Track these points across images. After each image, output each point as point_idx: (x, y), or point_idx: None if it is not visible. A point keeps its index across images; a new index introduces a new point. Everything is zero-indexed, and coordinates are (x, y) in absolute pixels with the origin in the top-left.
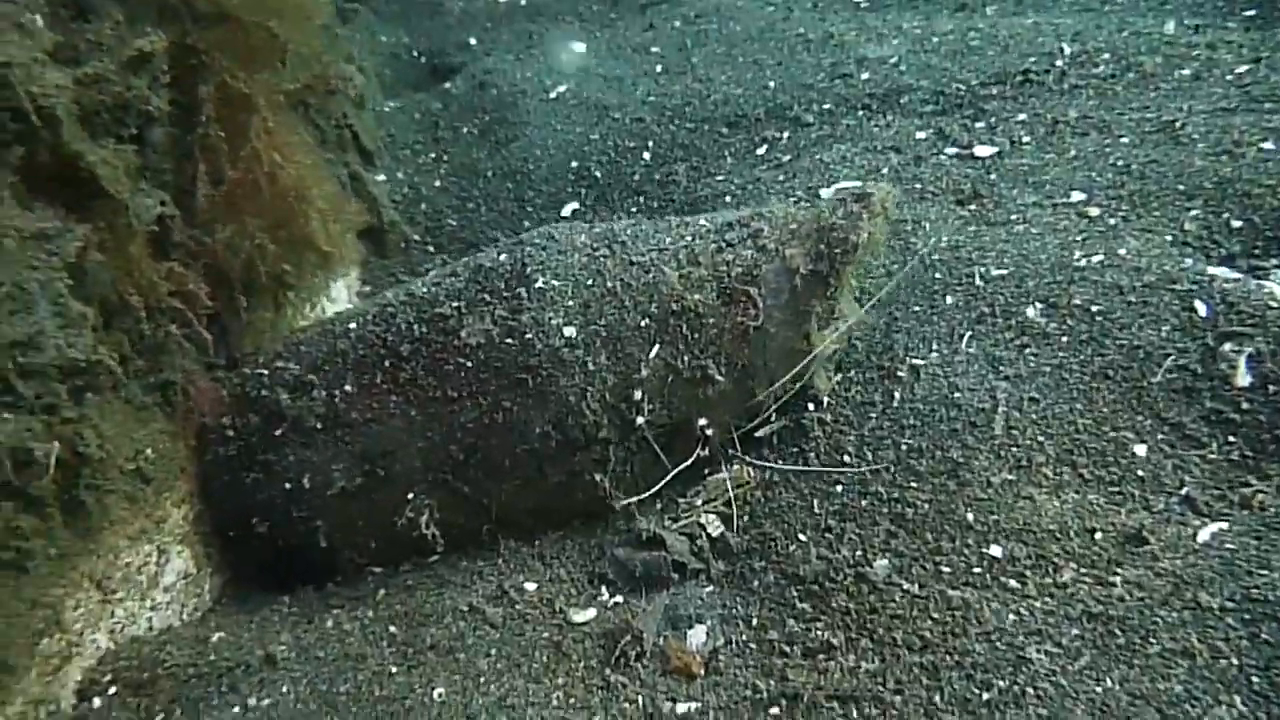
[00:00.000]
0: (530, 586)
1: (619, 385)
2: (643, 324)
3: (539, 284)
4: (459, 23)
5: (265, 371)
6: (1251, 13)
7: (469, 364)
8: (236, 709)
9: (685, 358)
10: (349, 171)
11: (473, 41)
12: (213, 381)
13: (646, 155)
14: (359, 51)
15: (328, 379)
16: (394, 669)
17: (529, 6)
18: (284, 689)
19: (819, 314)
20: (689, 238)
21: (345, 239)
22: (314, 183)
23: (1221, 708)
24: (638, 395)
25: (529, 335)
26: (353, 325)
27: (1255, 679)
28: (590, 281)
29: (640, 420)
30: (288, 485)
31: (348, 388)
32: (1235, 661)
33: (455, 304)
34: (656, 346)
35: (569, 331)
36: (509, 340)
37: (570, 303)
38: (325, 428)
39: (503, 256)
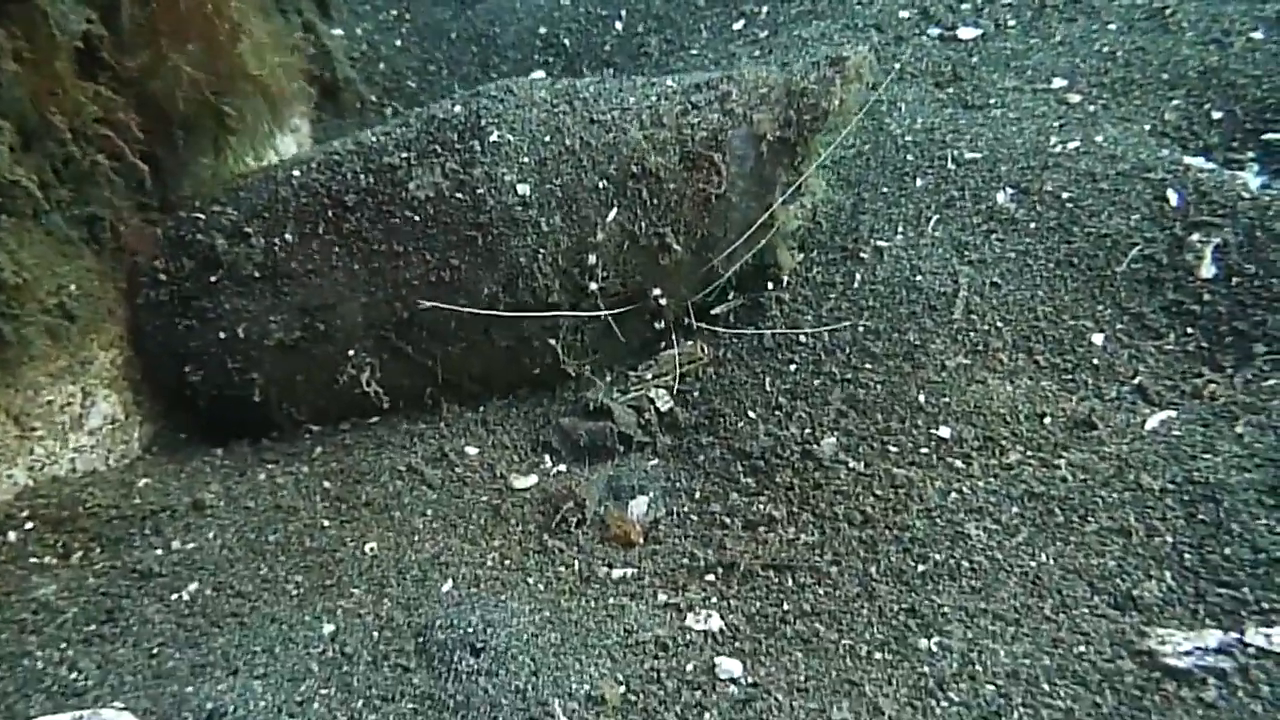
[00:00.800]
0: (472, 451)
1: (573, 249)
2: (600, 185)
3: (494, 137)
4: None
5: (202, 215)
6: None
7: (416, 218)
8: (159, 550)
9: (643, 224)
10: (302, 21)
11: None
12: (146, 222)
13: (619, 25)
14: None
15: (267, 226)
16: (326, 522)
17: None
18: (210, 534)
19: (784, 185)
20: (654, 98)
21: (290, 83)
22: (254, 14)
23: (1151, 582)
24: (592, 260)
25: (480, 190)
26: (296, 172)
27: (1188, 556)
28: (548, 138)
29: (594, 287)
30: (222, 334)
31: (288, 236)
32: (1170, 539)
33: (405, 154)
34: (614, 210)
35: (522, 189)
36: (459, 195)
37: (525, 159)
38: (263, 277)
39: (457, 108)
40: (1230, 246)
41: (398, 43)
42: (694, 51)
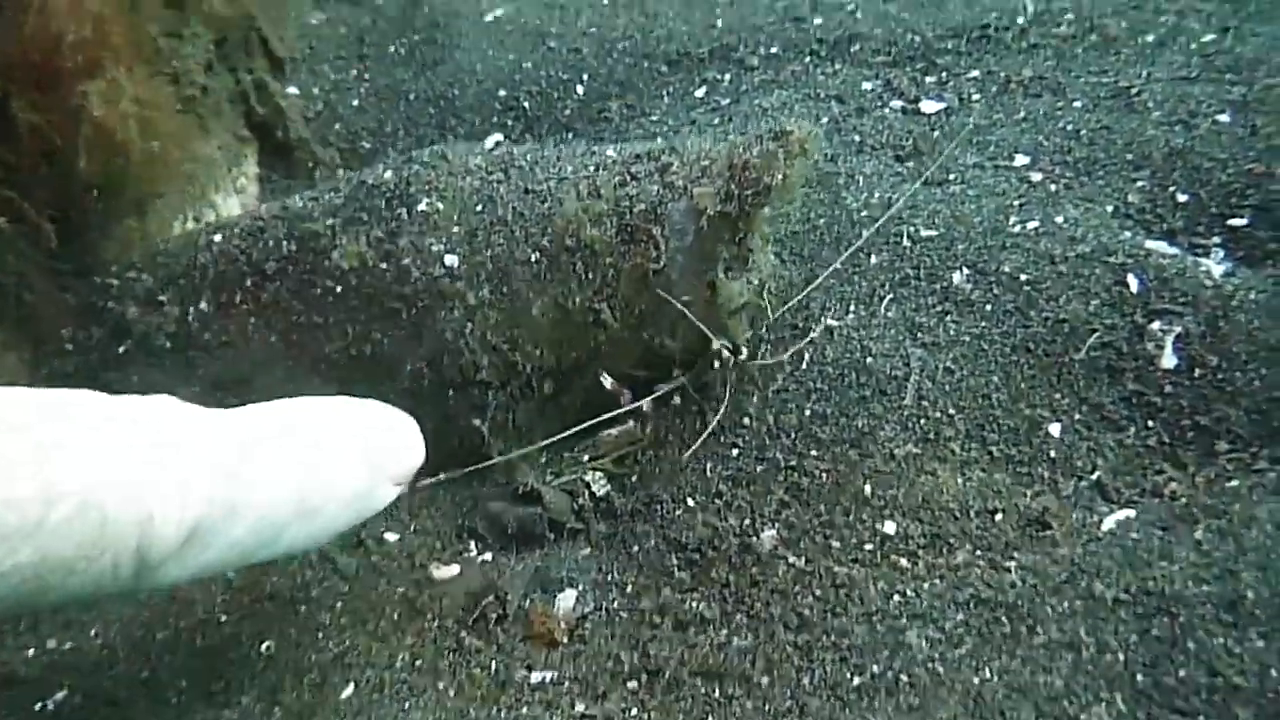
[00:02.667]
0: (391, 537)
1: (503, 323)
2: (533, 258)
3: (422, 206)
4: None
5: (115, 282)
6: None
7: (339, 288)
8: (31, 650)
9: (578, 298)
10: (253, 79)
11: None
12: (55, 289)
13: (580, 89)
14: None
15: (182, 295)
16: (224, 617)
17: None
18: (91, 631)
19: (727, 260)
20: (592, 168)
21: (234, 143)
22: (194, 70)
23: (1101, 705)
24: (524, 335)
25: (406, 261)
26: (218, 237)
27: (1140, 676)
28: (480, 207)
29: (525, 364)
30: None
31: (203, 305)
32: (1121, 657)
33: (330, 221)
34: (548, 283)
35: (450, 260)
36: (383, 265)
37: (455, 229)
38: (175, 348)
39: (388, 174)
40: (1192, 337)
41: (355, 103)
42: (654, 117)
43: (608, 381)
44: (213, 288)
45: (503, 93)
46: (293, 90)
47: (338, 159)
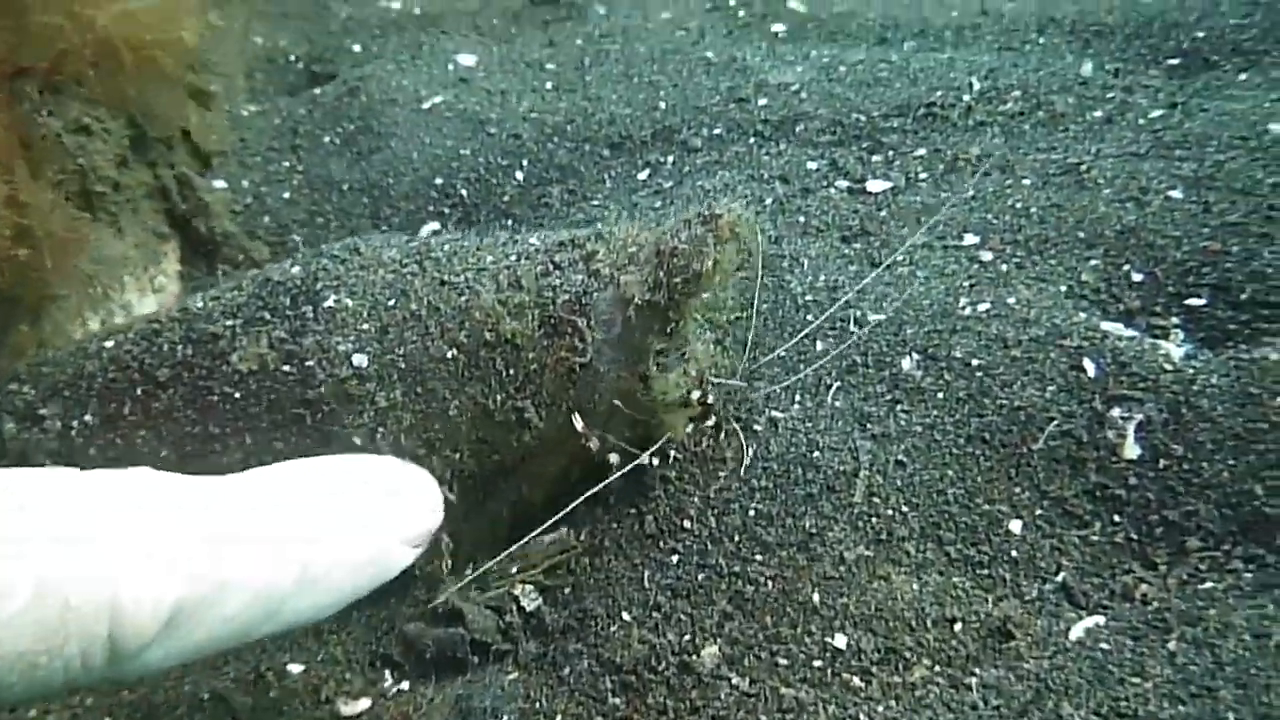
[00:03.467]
0: (295, 669)
1: (418, 426)
2: (450, 355)
3: (329, 302)
4: (344, 28)
5: None
6: (1175, 61)
7: (237, 394)
8: None
9: (499, 396)
10: (175, 174)
11: (356, 48)
12: None
13: (520, 175)
14: (226, 51)
15: (66, 407)
16: None
17: (423, 16)
18: None
19: (659, 352)
20: (514, 257)
21: (151, 240)
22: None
23: None
24: (441, 439)
25: (310, 363)
26: (109, 343)
27: None
28: (392, 302)
29: (444, 470)
30: None
31: (88, 418)
32: None
33: (230, 322)
34: (465, 382)
35: (359, 360)
36: (286, 368)
37: (365, 326)
38: (57, 464)
39: (295, 269)
40: (1154, 424)
41: (286, 195)
42: (596, 202)
43: (579, 423)
44: (100, 398)
45: (439, 180)
46: (219, 184)
47: (266, 253)
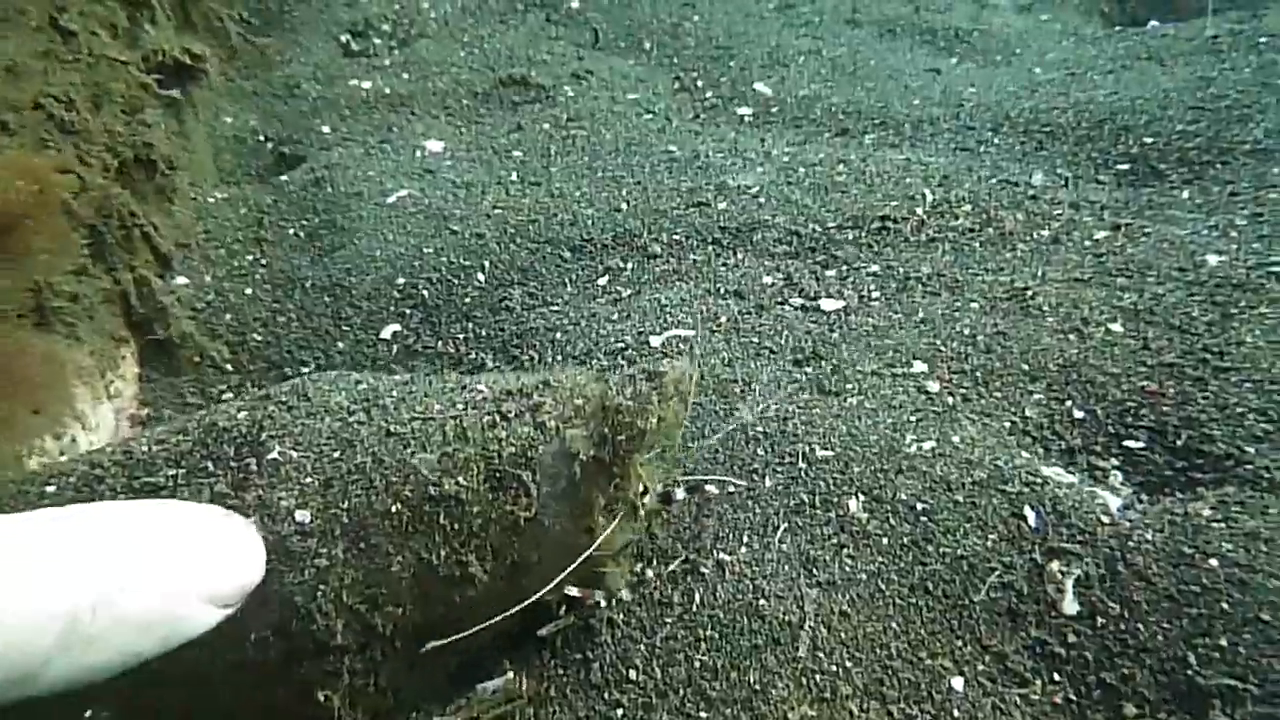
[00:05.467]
0: None
1: (360, 583)
2: (394, 509)
3: (274, 454)
4: (314, 108)
5: None
6: (1124, 166)
7: None
8: None
9: (443, 551)
10: (134, 277)
11: (325, 129)
12: None
13: (481, 276)
14: (196, 133)
15: None
16: None
17: (393, 96)
18: None
19: (604, 504)
20: (461, 406)
21: (106, 346)
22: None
23: None
24: (384, 594)
25: (252, 519)
26: (50, 489)
27: None
28: (337, 454)
29: (386, 625)
30: None
31: None
32: None
33: (172, 472)
34: (409, 536)
35: (301, 516)
36: None
37: (309, 480)
38: None
39: (241, 415)
40: (1092, 580)
41: (248, 291)
42: (555, 307)
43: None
44: None
45: (401, 280)
46: (181, 280)
47: (225, 353)
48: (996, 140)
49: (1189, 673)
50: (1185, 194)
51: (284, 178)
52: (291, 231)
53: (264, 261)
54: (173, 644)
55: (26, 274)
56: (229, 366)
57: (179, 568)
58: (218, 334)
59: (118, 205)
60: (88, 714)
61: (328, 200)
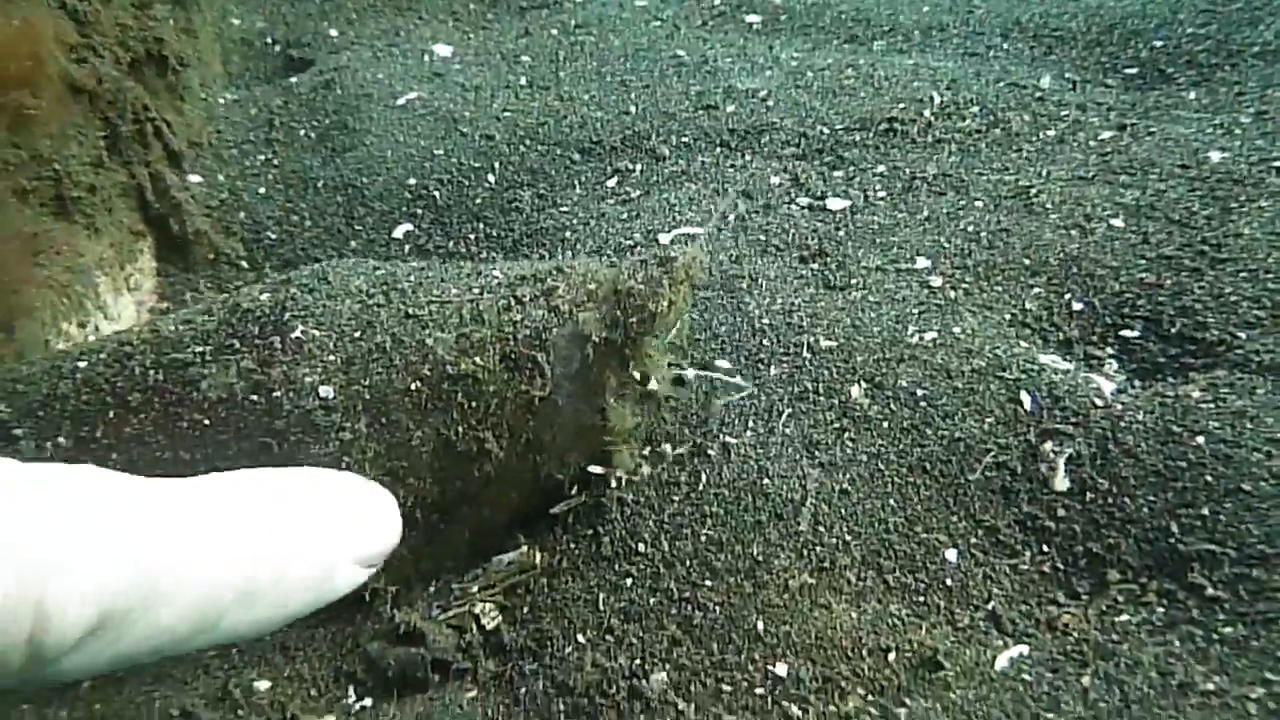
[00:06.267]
0: (262, 685)
1: (382, 456)
2: (413, 388)
3: (297, 333)
4: (321, 11)
5: None
6: (1132, 70)
7: (206, 421)
8: None
9: (460, 428)
10: (149, 172)
11: (333, 33)
12: None
13: (491, 178)
14: (203, 35)
15: (40, 427)
16: None
17: (399, 0)
18: None
19: (615, 386)
20: (477, 291)
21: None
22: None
23: None
24: (405, 468)
25: (278, 393)
26: (82, 364)
27: None
28: (358, 334)
29: (407, 497)
30: None
31: (61, 440)
32: None
33: (200, 349)
34: (429, 414)
35: (325, 391)
36: (254, 397)
37: (331, 357)
38: None
39: (264, 296)
40: (1083, 459)
41: (261, 190)
42: (565, 208)
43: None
44: (73, 420)
45: (413, 181)
46: (195, 179)
47: (240, 251)
48: (1006, 46)
49: (1170, 541)
50: (1192, 95)
51: (293, 80)
52: (302, 133)
53: (276, 162)
54: (324, 603)
55: (37, 148)
56: (244, 263)
57: (336, 535)
58: (232, 231)
59: (131, 99)
60: None
61: (338, 102)
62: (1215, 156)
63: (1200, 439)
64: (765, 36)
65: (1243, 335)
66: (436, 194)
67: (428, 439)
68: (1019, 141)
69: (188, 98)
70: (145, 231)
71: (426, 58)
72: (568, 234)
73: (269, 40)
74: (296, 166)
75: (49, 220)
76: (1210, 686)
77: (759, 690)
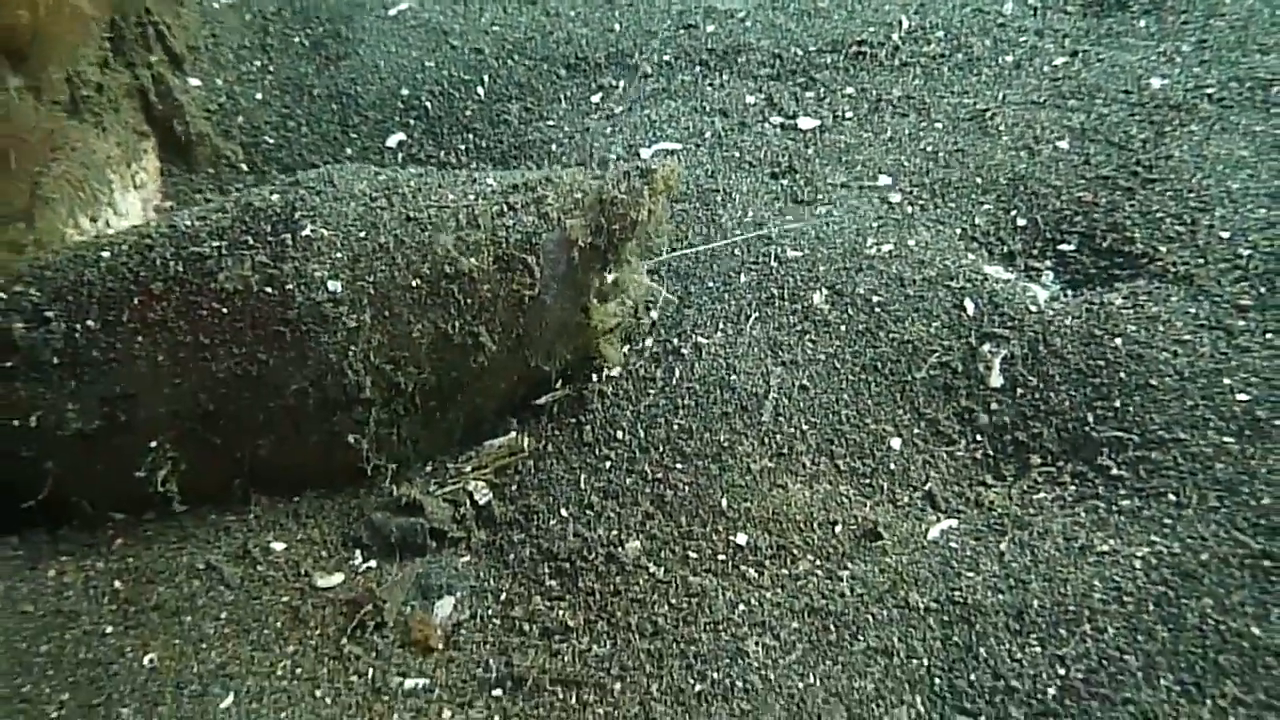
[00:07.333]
0: (278, 546)
1: (385, 346)
2: (414, 284)
3: (306, 231)
4: None
5: (1, 295)
6: None
7: (224, 310)
8: None
9: (457, 323)
10: (151, 74)
11: None
12: None
13: (481, 90)
14: None
15: (69, 311)
16: (108, 629)
17: None
18: None
19: (598, 287)
20: (472, 197)
21: (131, 138)
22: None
23: (903, 708)
24: (405, 357)
25: (289, 286)
26: (106, 254)
27: (938, 680)
28: (363, 234)
29: (408, 384)
30: (15, 422)
31: (90, 323)
32: (925, 662)
33: (216, 244)
34: (428, 309)
35: (333, 286)
36: (268, 289)
37: (338, 255)
38: (62, 364)
39: (274, 197)
40: (1016, 359)
41: (258, 96)
42: (551, 122)
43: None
44: (100, 304)
45: (405, 92)
46: (194, 82)
47: (240, 154)
48: None
49: (1086, 429)
50: (1142, 23)
51: None
52: (297, 40)
53: (271, 69)
54: None
55: (59, 65)
56: (244, 166)
57: None
58: (231, 135)
59: (133, 2)
60: (153, 444)
61: (331, 10)
62: (1156, 83)
63: (1118, 340)
64: None
65: (1164, 249)
66: (428, 104)
67: (426, 332)
68: (979, 66)
69: (184, 1)
70: (149, 132)
71: None
72: (554, 147)
73: None
74: (292, 73)
75: (63, 117)
76: (1106, 548)
77: (721, 556)
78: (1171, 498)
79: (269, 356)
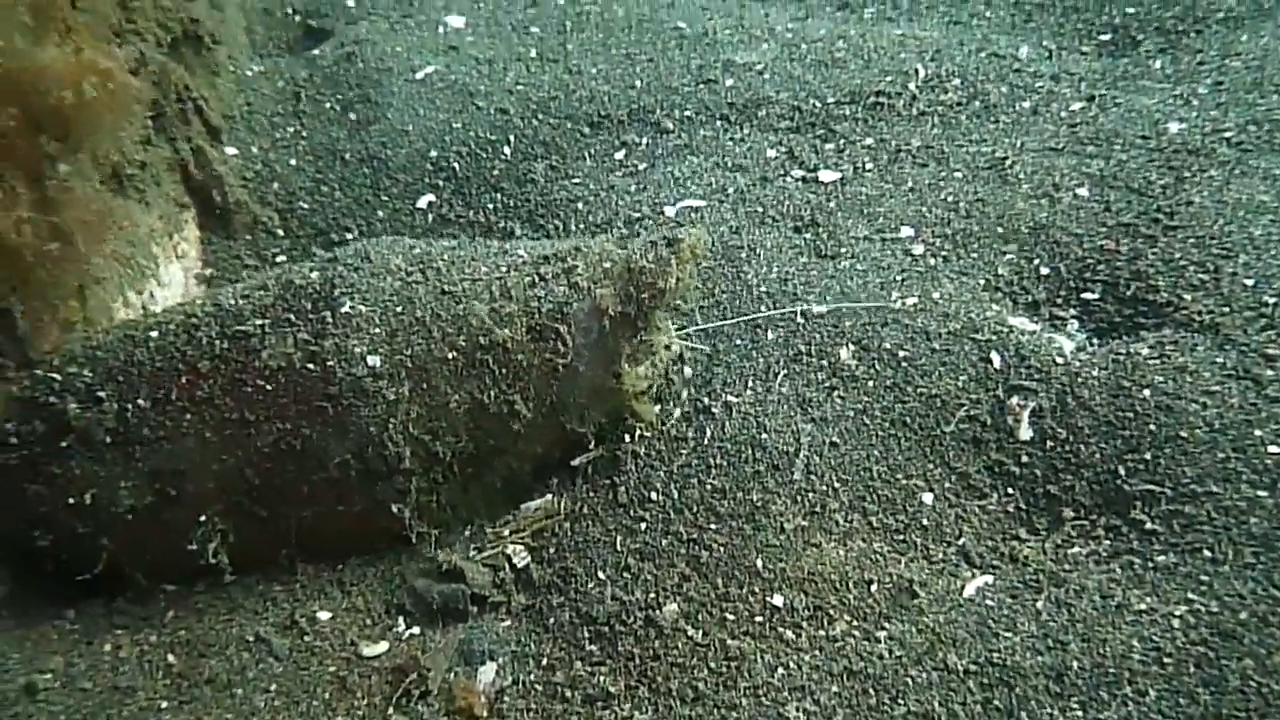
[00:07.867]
0: (324, 615)
1: (424, 417)
2: (450, 356)
3: (345, 308)
4: None
5: (56, 376)
6: (1106, 37)
7: (268, 386)
8: None
9: (493, 392)
10: (191, 146)
11: (349, 2)
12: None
13: (507, 150)
14: (228, 8)
15: (121, 390)
16: (164, 704)
17: None
18: None
19: (629, 354)
20: (504, 269)
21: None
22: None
23: None
24: (443, 427)
25: (330, 362)
26: (154, 334)
27: None
28: (400, 309)
29: (446, 453)
30: (71, 500)
31: (141, 402)
32: None
33: (260, 322)
34: (464, 380)
35: (373, 360)
36: (310, 366)
37: (377, 330)
38: (115, 442)
39: (314, 274)
40: (1045, 411)
41: (292, 161)
42: (576, 180)
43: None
44: (150, 383)
45: (434, 154)
46: (231, 151)
47: (276, 220)
48: (988, 13)
49: (1118, 482)
50: (1158, 64)
51: (315, 52)
52: (328, 105)
53: (304, 134)
54: None
55: (106, 145)
56: (280, 231)
57: None
58: (267, 201)
59: (174, 80)
60: (202, 519)
61: (360, 75)
62: (1174, 127)
63: (1146, 392)
64: (760, 3)
65: (1188, 297)
66: (456, 165)
67: (463, 402)
68: (996, 113)
69: (220, 72)
70: (189, 203)
71: (440, 29)
72: (580, 205)
73: (288, 10)
74: (324, 139)
75: (109, 197)
76: (1143, 606)
77: (758, 618)
78: (1207, 553)
79: (312, 430)
